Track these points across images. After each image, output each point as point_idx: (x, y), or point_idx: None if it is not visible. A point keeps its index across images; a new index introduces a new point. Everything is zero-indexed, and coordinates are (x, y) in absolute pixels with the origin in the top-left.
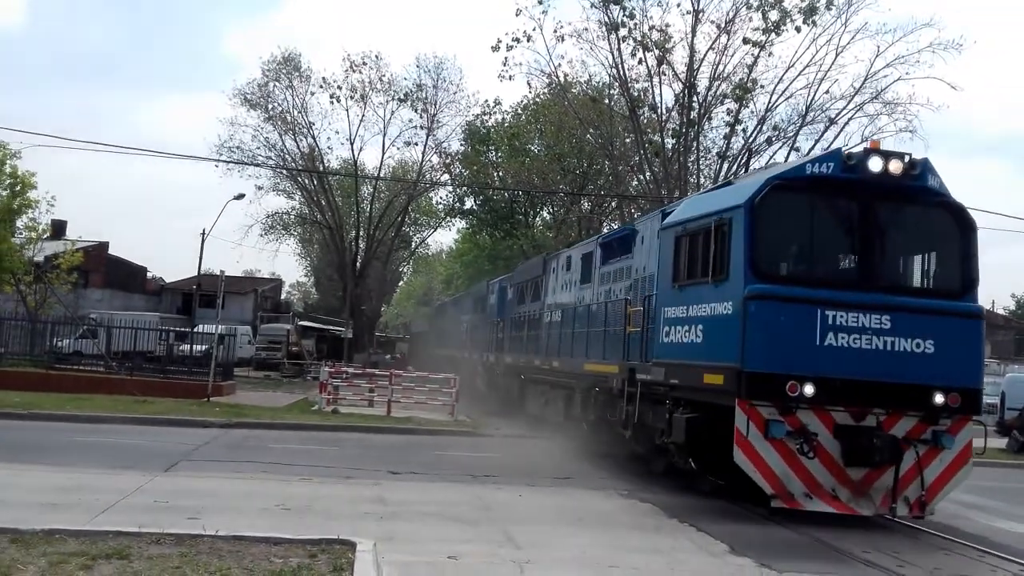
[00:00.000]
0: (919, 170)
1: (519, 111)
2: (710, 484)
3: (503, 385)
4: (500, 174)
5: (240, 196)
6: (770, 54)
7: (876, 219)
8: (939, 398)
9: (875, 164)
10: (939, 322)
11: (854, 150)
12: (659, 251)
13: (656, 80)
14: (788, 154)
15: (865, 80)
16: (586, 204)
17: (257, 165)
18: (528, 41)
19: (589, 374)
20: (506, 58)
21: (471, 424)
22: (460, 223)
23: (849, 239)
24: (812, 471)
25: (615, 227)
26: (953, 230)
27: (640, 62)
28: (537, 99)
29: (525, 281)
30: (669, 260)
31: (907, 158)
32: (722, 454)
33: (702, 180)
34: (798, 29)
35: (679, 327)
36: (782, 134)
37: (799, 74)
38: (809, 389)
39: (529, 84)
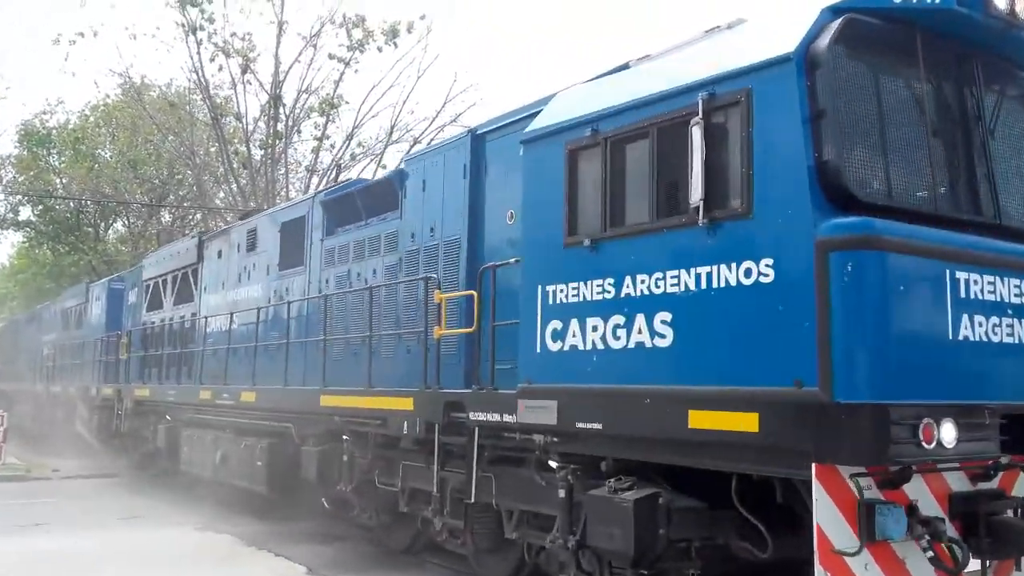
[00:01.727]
0: None
1: (87, 112)
2: None
3: (134, 431)
4: (64, 181)
5: None
6: (356, 71)
7: (998, 96)
8: None
9: None
10: None
11: None
12: (522, 183)
13: (241, 88)
14: (375, 171)
15: (445, 103)
16: (167, 216)
17: None
18: (95, 36)
19: (335, 412)
20: (68, 54)
21: (23, 468)
22: (15, 236)
23: (963, 131)
24: None
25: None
26: None
27: (221, 69)
28: (107, 100)
29: (163, 276)
30: (557, 197)
31: None
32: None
33: (292, 193)
34: (380, 49)
35: (597, 320)
36: (369, 151)
37: (383, 94)
38: (949, 432)
39: (97, 84)
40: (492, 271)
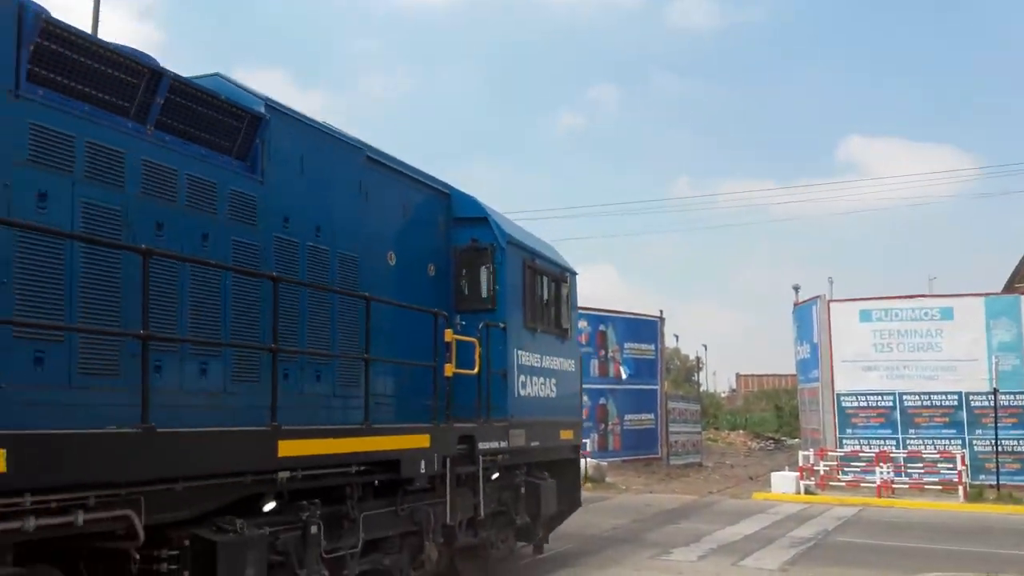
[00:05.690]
0: None
1: None
2: None
3: None
4: None
5: None
6: None
7: None
8: None
9: None
10: None
11: None
12: (507, 271)
13: None
14: None
15: None
16: None
17: None
18: None
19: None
20: None
21: None
22: None
23: None
24: None
25: None
26: None
27: None
28: None
29: None
30: (519, 292)
31: None
32: None
33: None
34: None
35: (536, 378)
36: None
37: None
38: None
39: None
40: (487, 328)
